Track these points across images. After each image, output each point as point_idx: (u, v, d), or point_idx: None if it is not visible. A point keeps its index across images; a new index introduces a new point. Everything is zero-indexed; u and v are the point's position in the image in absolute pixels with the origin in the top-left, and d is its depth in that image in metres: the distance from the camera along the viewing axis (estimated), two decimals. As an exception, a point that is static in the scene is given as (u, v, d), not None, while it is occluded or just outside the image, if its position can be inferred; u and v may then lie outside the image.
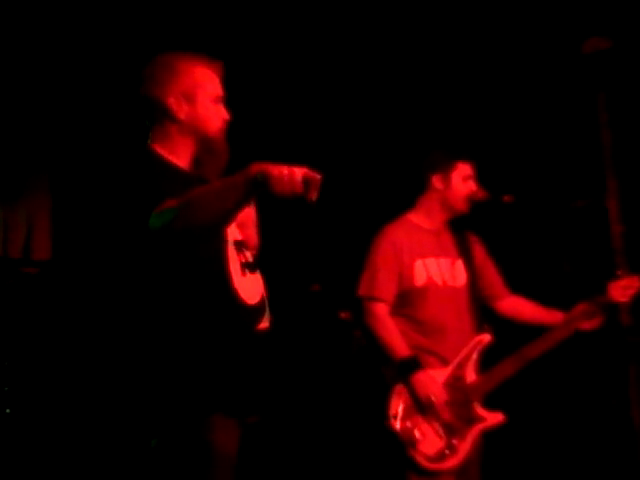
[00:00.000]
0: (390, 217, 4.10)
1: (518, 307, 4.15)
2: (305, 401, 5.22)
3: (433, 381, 3.85)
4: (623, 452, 4.30)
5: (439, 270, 4.01)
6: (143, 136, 2.85)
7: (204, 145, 2.83)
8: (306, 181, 2.44)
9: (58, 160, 5.37)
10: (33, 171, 5.38)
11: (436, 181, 4.04)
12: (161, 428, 2.66)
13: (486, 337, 3.99)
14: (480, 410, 3.91)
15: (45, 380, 4.83)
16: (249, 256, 2.87)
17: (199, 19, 5.07)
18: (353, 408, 4.70)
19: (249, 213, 2.98)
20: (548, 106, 5.14)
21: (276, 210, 2.90)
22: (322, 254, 5.31)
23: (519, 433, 4.78)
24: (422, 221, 4.08)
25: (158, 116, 2.82)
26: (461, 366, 3.94)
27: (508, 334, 4.07)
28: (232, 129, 2.89)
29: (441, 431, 3.84)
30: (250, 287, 2.79)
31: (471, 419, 3.88)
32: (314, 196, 2.46)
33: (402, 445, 3.79)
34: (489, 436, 3.97)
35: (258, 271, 2.88)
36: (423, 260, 4.00)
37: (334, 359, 4.99)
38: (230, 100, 2.89)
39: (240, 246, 2.84)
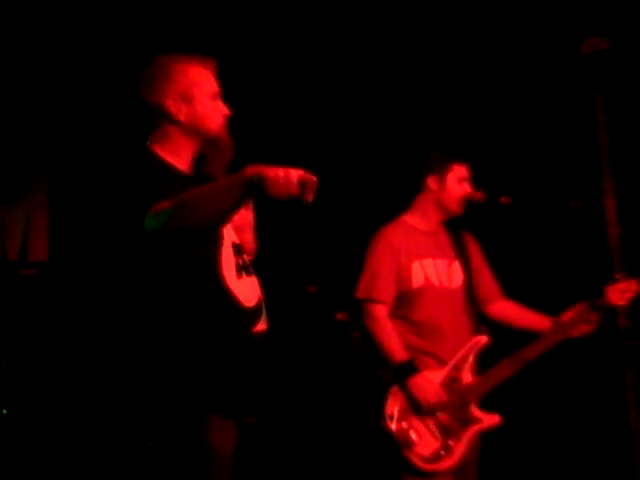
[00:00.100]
0: (386, 218, 4.10)
1: (507, 311, 4.15)
2: (302, 402, 5.21)
3: (430, 383, 3.85)
4: (620, 455, 4.30)
5: (436, 271, 4.01)
6: (141, 139, 2.86)
7: (208, 143, 2.84)
8: (302, 183, 2.44)
9: (56, 162, 5.37)
10: (31, 172, 5.39)
11: (431, 182, 4.04)
12: (158, 429, 2.67)
13: (483, 338, 3.99)
14: (476, 411, 3.91)
15: (42, 382, 4.83)
16: (246, 259, 2.87)
17: (199, 21, 5.07)
18: (349, 409, 4.69)
19: (247, 217, 2.99)
20: (545, 107, 5.14)
21: (272, 212, 2.90)
22: (318, 255, 5.31)
23: (516, 435, 4.78)
24: (418, 222, 4.08)
25: (157, 120, 2.82)
26: (458, 367, 3.94)
27: (505, 336, 4.07)
28: (231, 131, 2.90)
29: (437, 432, 3.84)
30: (247, 290, 2.80)
31: (467, 420, 3.88)
32: (310, 198, 2.46)
33: (398, 446, 3.79)
34: (486, 437, 3.97)
35: (255, 274, 2.88)
36: (420, 261, 4.00)
37: (331, 360, 4.99)
38: (228, 101, 2.90)
39: (237, 249, 2.84)
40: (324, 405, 5.14)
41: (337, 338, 4.68)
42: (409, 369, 3.84)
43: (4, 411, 4.64)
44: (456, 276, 4.06)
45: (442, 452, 3.82)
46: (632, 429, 3.77)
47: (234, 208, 2.56)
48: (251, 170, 2.47)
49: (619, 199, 3.86)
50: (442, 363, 3.93)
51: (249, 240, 2.99)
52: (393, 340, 3.88)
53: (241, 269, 2.81)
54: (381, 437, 3.84)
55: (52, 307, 4.98)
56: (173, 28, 4.98)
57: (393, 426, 3.82)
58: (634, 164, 4.71)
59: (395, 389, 3.85)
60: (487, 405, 3.94)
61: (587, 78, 3.93)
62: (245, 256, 2.88)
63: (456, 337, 3.96)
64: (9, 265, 5.12)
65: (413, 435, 3.81)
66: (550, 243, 4.60)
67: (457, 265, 4.07)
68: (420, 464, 3.79)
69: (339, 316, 4.55)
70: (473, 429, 3.88)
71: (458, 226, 4.14)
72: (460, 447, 3.84)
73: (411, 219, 4.10)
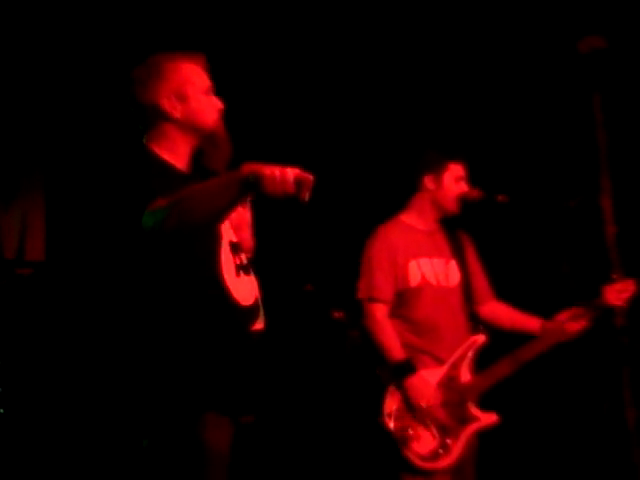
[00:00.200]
0: (382, 217, 4.11)
1: (497, 313, 4.15)
2: (299, 401, 5.21)
3: (426, 385, 3.85)
4: (617, 453, 4.30)
5: (433, 270, 4.01)
6: (137, 138, 2.86)
7: (205, 138, 2.85)
8: (298, 181, 2.45)
9: (52, 160, 5.36)
10: (27, 172, 5.38)
11: (428, 181, 4.04)
12: (154, 427, 2.67)
13: (481, 337, 3.99)
14: (474, 410, 3.91)
15: (39, 381, 4.82)
16: (244, 258, 2.87)
17: (195, 18, 5.07)
18: (347, 408, 4.69)
19: (244, 216, 2.99)
20: (543, 105, 5.14)
21: (269, 210, 2.90)
22: (315, 254, 5.31)
23: (514, 434, 4.78)
24: (415, 221, 4.09)
25: (153, 119, 2.83)
26: (456, 366, 3.94)
27: (503, 335, 4.07)
28: (228, 129, 2.90)
29: (435, 431, 3.84)
30: (244, 289, 2.80)
31: (465, 419, 3.88)
32: (306, 196, 2.47)
33: (396, 444, 3.79)
34: (484, 436, 3.97)
35: (252, 273, 2.88)
36: (417, 260, 4.00)
37: (328, 359, 4.99)
38: (226, 100, 2.90)
39: (235, 248, 2.85)
40: (322, 404, 5.14)
41: (334, 337, 4.68)
42: (406, 369, 3.84)
43: (1, 410, 4.64)
44: (453, 275, 4.06)
45: (440, 451, 3.82)
46: (628, 427, 3.77)
47: (231, 206, 2.57)
48: (247, 168, 2.48)
49: (617, 198, 3.86)
50: (440, 362, 3.94)
51: (247, 239, 2.98)
52: (392, 339, 3.88)
53: (239, 268, 2.82)
54: (379, 435, 3.84)
55: (49, 306, 4.98)
56: (167, 25, 4.97)
57: (391, 424, 3.82)
58: (632, 163, 4.71)
59: (393, 388, 3.85)
60: (485, 404, 3.95)
61: (585, 77, 3.92)
62: (243, 255, 2.88)
63: (454, 336, 3.97)
64: (6, 264, 5.11)
65: (411, 433, 3.81)
66: (547, 242, 4.60)
67: (454, 264, 4.08)
68: (418, 462, 3.79)
69: (336, 315, 4.54)
70: (471, 428, 3.88)
71: (455, 225, 4.14)
72: (458, 446, 3.84)
73: (408, 218, 4.10)
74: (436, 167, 4.04)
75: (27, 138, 5.32)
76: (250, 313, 2.80)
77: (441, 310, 3.97)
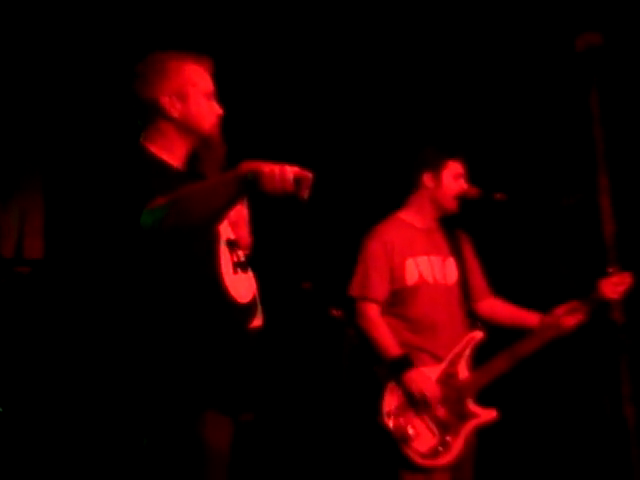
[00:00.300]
0: (381, 215, 4.11)
1: (495, 309, 4.15)
2: (298, 399, 5.22)
3: (426, 378, 3.86)
4: (616, 450, 4.30)
5: (430, 268, 4.02)
6: (135, 135, 2.86)
7: (200, 141, 2.84)
8: (297, 179, 2.45)
9: (51, 159, 5.35)
10: (25, 170, 5.37)
11: (427, 179, 4.05)
12: (153, 425, 2.67)
13: (478, 334, 4.00)
14: (473, 407, 3.92)
15: (37, 379, 4.82)
16: (241, 255, 2.87)
17: (192, 16, 5.06)
18: (346, 406, 4.69)
19: (242, 212, 2.99)
20: (540, 103, 5.14)
21: (267, 208, 2.90)
22: (313, 252, 5.31)
23: (512, 430, 4.78)
24: (413, 219, 4.09)
25: (151, 116, 2.83)
26: (454, 363, 3.94)
27: (500, 331, 4.07)
28: (226, 127, 2.90)
29: (434, 428, 3.84)
30: (242, 286, 2.80)
31: (464, 416, 3.89)
32: (305, 194, 2.47)
33: (395, 442, 3.80)
34: (482, 432, 3.97)
35: (250, 270, 2.88)
36: (414, 259, 4.00)
37: (326, 357, 4.98)
38: (222, 98, 2.90)
39: (232, 245, 2.85)
40: (320, 402, 5.14)
41: (332, 335, 4.68)
42: (404, 364, 3.84)
43: (0, 409, 4.64)
44: (451, 273, 4.06)
45: (440, 448, 3.83)
46: (627, 424, 3.78)
47: (230, 204, 2.57)
48: (246, 166, 2.48)
49: (614, 195, 3.86)
50: (438, 359, 3.94)
51: (244, 236, 2.98)
52: (387, 336, 3.89)
53: (236, 265, 2.82)
54: (378, 434, 3.84)
55: (48, 304, 4.97)
56: (167, 24, 4.97)
57: (390, 422, 3.82)
58: (629, 160, 4.71)
59: (392, 385, 3.86)
60: (484, 400, 3.95)
61: (582, 74, 3.93)
62: (240, 252, 2.88)
63: (451, 333, 3.97)
64: (5, 262, 5.10)
65: (410, 431, 3.82)
66: (545, 239, 4.60)
67: (451, 262, 4.08)
68: (418, 460, 3.80)
69: (334, 312, 4.54)
70: (470, 424, 3.89)
71: (453, 223, 4.15)
72: (458, 442, 3.84)
73: (406, 216, 4.10)
74: (435, 164, 4.04)
75: (25, 137, 5.31)
76: (248, 310, 2.80)
77: (439, 308, 3.97)
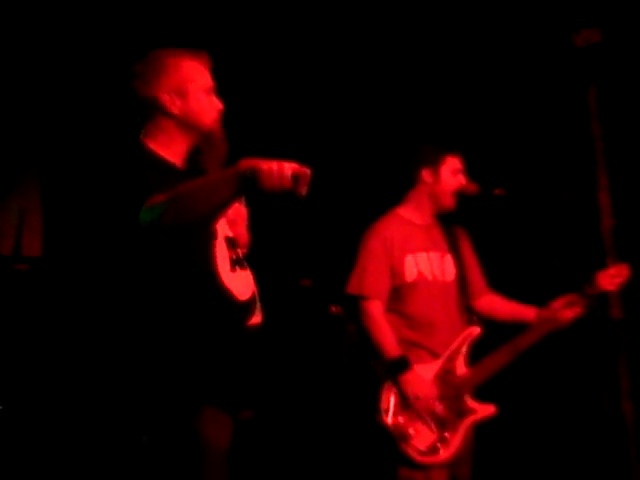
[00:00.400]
0: (380, 211, 4.10)
1: (493, 305, 4.15)
2: (298, 396, 5.22)
3: (421, 381, 3.85)
4: (614, 446, 4.31)
5: (429, 265, 4.01)
6: (134, 132, 2.86)
7: (202, 137, 2.85)
8: (295, 176, 2.45)
9: (49, 156, 5.35)
10: (24, 167, 5.37)
11: (426, 175, 4.04)
12: (153, 423, 2.67)
13: (475, 330, 4.00)
14: (471, 403, 3.91)
15: (37, 376, 4.82)
16: (240, 253, 2.88)
17: (192, 13, 5.06)
18: (345, 403, 4.70)
19: (240, 210, 2.99)
20: (539, 99, 5.13)
21: (266, 205, 2.90)
22: (312, 249, 5.31)
23: (511, 426, 4.79)
24: (412, 215, 4.09)
25: (151, 113, 2.83)
26: (451, 359, 3.94)
27: (497, 327, 4.07)
28: (225, 124, 2.90)
29: (433, 425, 3.84)
30: (241, 283, 2.81)
31: (462, 412, 3.89)
32: (303, 191, 2.47)
33: (393, 439, 3.80)
34: (481, 428, 3.97)
35: (248, 267, 2.88)
36: (413, 255, 4.00)
37: (326, 354, 4.99)
38: (221, 94, 2.90)
39: (231, 243, 2.85)
40: (319, 399, 5.14)
41: (332, 332, 4.69)
42: (401, 365, 3.84)
43: (0, 407, 4.64)
44: (449, 269, 4.06)
45: (438, 444, 3.83)
46: (625, 419, 3.78)
47: (228, 202, 2.57)
48: (244, 164, 2.48)
49: (613, 191, 3.86)
50: (435, 356, 3.94)
51: (243, 233, 2.99)
52: (386, 336, 3.88)
53: (235, 263, 2.82)
54: (377, 431, 3.84)
55: (47, 302, 4.97)
56: (166, 21, 4.96)
57: (389, 420, 3.82)
58: (628, 156, 4.71)
59: (390, 383, 3.86)
60: (482, 396, 3.95)
61: (581, 70, 3.92)
62: (239, 250, 2.89)
63: (449, 330, 3.97)
64: (3, 260, 5.10)
65: (409, 428, 3.82)
66: (544, 235, 4.60)
67: (449, 258, 4.08)
68: (417, 457, 3.79)
69: (334, 309, 4.54)
70: (469, 420, 3.88)
71: (451, 219, 4.15)
72: (456, 439, 3.84)
73: (405, 212, 4.10)
74: (433, 160, 4.04)
75: (24, 134, 5.31)
76: (247, 308, 2.80)
77: (437, 305, 3.97)
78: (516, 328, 3.99)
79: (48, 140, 5.32)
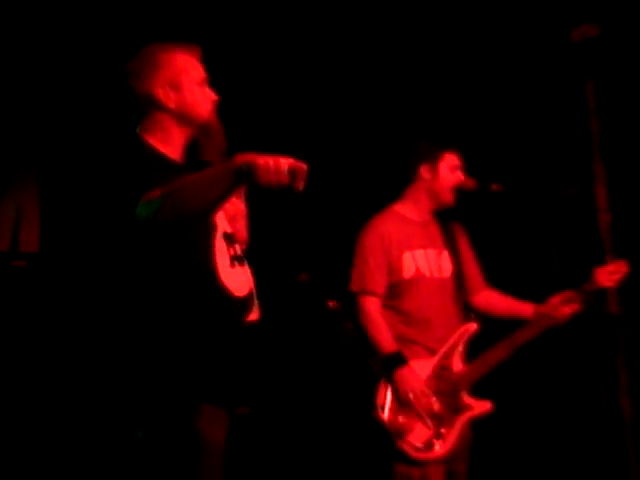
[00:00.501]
0: (377, 206, 4.10)
1: (491, 301, 4.15)
2: (294, 392, 5.22)
3: (415, 378, 3.85)
4: (612, 441, 4.31)
5: (427, 261, 4.01)
6: (131, 128, 2.86)
7: (199, 130, 2.85)
8: (292, 171, 2.45)
9: (46, 152, 5.35)
10: (21, 163, 5.36)
11: (424, 171, 4.04)
12: (149, 418, 2.67)
13: (472, 326, 4.00)
14: (467, 399, 3.91)
15: (34, 372, 4.82)
16: (238, 249, 2.88)
17: (187, 8, 5.05)
18: (341, 399, 4.69)
19: (239, 207, 2.99)
20: (536, 94, 5.13)
21: (263, 200, 2.90)
22: (310, 244, 5.31)
23: (509, 422, 4.79)
24: (409, 212, 4.09)
25: (147, 109, 2.84)
26: (448, 356, 3.94)
27: (494, 323, 4.07)
28: (221, 119, 2.90)
29: (428, 421, 3.84)
30: (239, 279, 2.81)
31: (459, 408, 3.89)
32: (300, 186, 2.46)
33: (390, 435, 3.80)
34: (478, 425, 3.97)
35: (247, 263, 2.88)
36: (411, 252, 4.00)
37: (323, 349, 4.99)
38: (219, 90, 2.90)
39: (230, 239, 2.85)
40: (316, 395, 5.14)
41: (329, 327, 4.68)
42: (396, 361, 3.84)
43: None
44: (446, 266, 4.06)
45: (434, 440, 3.83)
46: (624, 415, 3.78)
47: (224, 197, 2.57)
48: (241, 158, 2.48)
49: (610, 186, 3.86)
50: (432, 352, 3.94)
51: (241, 229, 2.98)
52: (383, 332, 3.89)
53: (233, 259, 2.82)
54: (373, 427, 3.84)
55: (44, 298, 4.97)
56: (161, 16, 4.96)
57: (385, 416, 3.82)
58: (625, 151, 4.71)
59: (385, 380, 3.86)
60: (479, 392, 3.95)
61: (578, 65, 3.92)
62: (237, 246, 2.88)
63: (446, 326, 3.97)
64: (0, 256, 5.10)
65: (405, 424, 3.82)
66: (541, 230, 4.60)
67: (446, 255, 4.08)
68: (413, 453, 3.80)
69: (331, 305, 4.54)
70: (465, 416, 3.88)
71: (448, 215, 4.14)
72: (452, 435, 3.84)
73: (403, 209, 4.10)
74: (432, 157, 4.04)
75: (21, 130, 5.30)
76: (244, 304, 2.80)
77: (434, 301, 3.97)
78: (513, 324, 3.99)
79: (46, 136, 5.32)
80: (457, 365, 3.95)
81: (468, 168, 4.07)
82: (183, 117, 2.83)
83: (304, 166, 2.47)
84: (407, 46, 5.30)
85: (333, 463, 4.93)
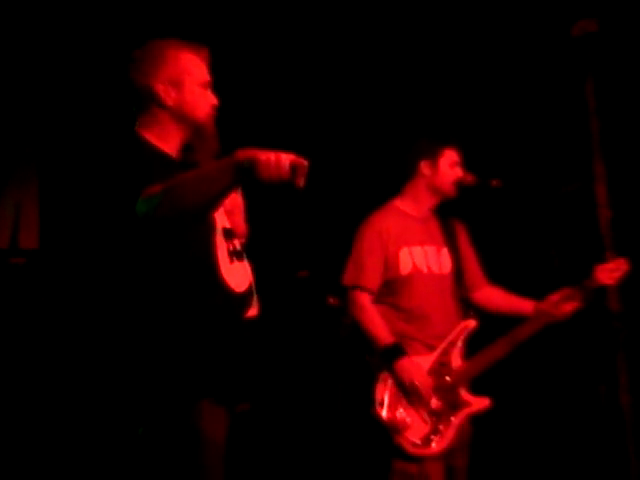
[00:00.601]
0: (377, 203, 4.10)
1: (492, 297, 4.15)
2: (293, 388, 5.22)
3: (417, 367, 3.86)
4: (612, 439, 4.31)
5: (425, 258, 4.01)
6: (130, 123, 2.85)
7: (194, 131, 2.84)
8: (293, 167, 2.44)
9: (45, 149, 5.34)
10: (20, 160, 5.36)
11: (424, 167, 4.04)
12: (149, 415, 2.67)
13: (471, 323, 4.00)
14: (466, 395, 3.92)
15: (34, 370, 4.82)
16: (237, 244, 2.87)
17: (189, 5, 5.05)
18: (340, 395, 4.70)
19: (237, 201, 2.98)
20: (536, 90, 5.13)
21: (263, 196, 2.89)
22: (310, 240, 5.31)
23: (508, 419, 4.79)
24: (409, 208, 4.09)
25: (146, 103, 2.83)
26: (446, 352, 3.94)
27: (493, 320, 4.07)
28: (221, 115, 2.89)
29: (427, 417, 3.84)
30: (238, 275, 2.80)
31: (457, 404, 3.89)
32: (301, 182, 2.46)
33: (388, 431, 3.80)
34: (478, 421, 3.97)
35: (246, 259, 2.88)
36: (409, 248, 4.00)
37: (322, 346, 4.99)
38: (219, 87, 2.89)
39: (228, 234, 2.85)
40: (315, 391, 5.14)
41: (329, 323, 4.68)
42: (396, 352, 3.84)
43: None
44: (445, 262, 4.06)
45: (432, 437, 3.83)
46: (623, 412, 3.78)
47: (225, 192, 2.56)
48: (242, 154, 2.47)
49: (610, 183, 3.85)
50: (431, 349, 3.94)
51: (240, 224, 2.98)
52: (379, 325, 3.89)
53: (232, 254, 2.82)
54: (371, 423, 3.84)
55: (44, 295, 4.97)
56: (162, 15, 4.95)
57: (383, 412, 3.83)
58: (624, 147, 4.71)
59: (384, 375, 3.86)
60: (478, 389, 3.95)
61: (577, 61, 3.92)
62: (236, 241, 2.88)
63: (444, 323, 3.97)
64: (0, 253, 5.10)
65: (403, 420, 3.82)
66: (541, 226, 4.60)
67: (446, 251, 4.08)
68: (411, 449, 3.80)
69: (331, 301, 4.54)
70: (463, 413, 3.89)
71: (448, 211, 4.14)
72: (450, 431, 3.85)
73: (402, 204, 4.10)
74: (432, 153, 4.04)
75: (20, 127, 5.30)
76: (244, 299, 2.80)
77: (432, 298, 3.97)
78: (513, 321, 3.98)
79: (44, 132, 5.32)
80: (456, 361, 3.95)
81: (468, 164, 4.07)
82: (180, 116, 2.82)
83: (305, 162, 2.46)
84: (407, 44, 5.30)
85: (332, 459, 4.93)
